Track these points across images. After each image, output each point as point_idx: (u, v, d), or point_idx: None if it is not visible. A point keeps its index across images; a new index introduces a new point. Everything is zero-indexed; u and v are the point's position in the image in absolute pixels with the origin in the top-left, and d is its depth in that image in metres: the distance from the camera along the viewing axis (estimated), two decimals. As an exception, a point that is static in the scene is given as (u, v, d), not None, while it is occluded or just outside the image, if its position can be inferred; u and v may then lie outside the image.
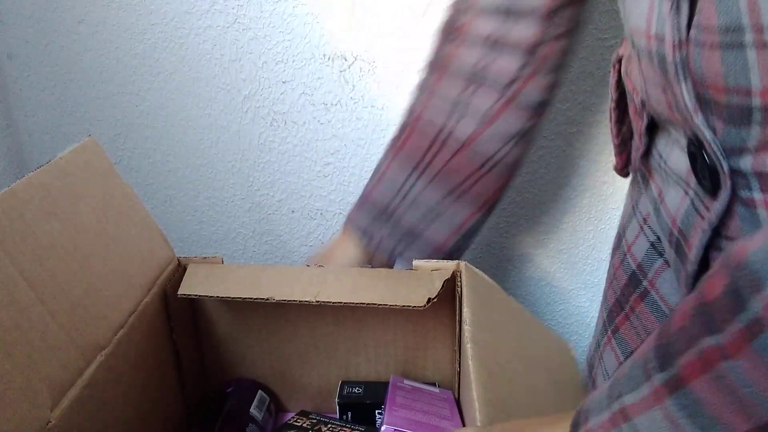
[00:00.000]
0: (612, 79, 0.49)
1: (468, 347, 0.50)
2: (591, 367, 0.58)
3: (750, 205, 0.34)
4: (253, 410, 0.62)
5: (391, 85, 0.82)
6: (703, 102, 0.34)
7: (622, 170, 0.52)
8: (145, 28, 0.80)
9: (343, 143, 0.86)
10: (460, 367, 0.61)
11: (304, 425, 0.60)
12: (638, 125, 0.45)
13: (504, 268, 0.92)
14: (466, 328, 0.53)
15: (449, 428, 0.55)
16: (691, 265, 0.38)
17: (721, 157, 0.34)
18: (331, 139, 0.85)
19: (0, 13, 0.80)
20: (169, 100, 0.84)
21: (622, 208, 0.58)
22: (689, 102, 0.34)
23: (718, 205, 0.35)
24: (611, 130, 0.51)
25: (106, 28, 0.80)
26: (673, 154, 0.41)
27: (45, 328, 0.42)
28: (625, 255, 0.51)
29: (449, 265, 0.61)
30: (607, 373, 0.52)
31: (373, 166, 0.88)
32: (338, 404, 0.63)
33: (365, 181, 0.89)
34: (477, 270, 0.63)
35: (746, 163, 0.33)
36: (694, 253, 0.37)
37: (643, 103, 0.43)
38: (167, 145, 0.87)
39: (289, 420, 0.62)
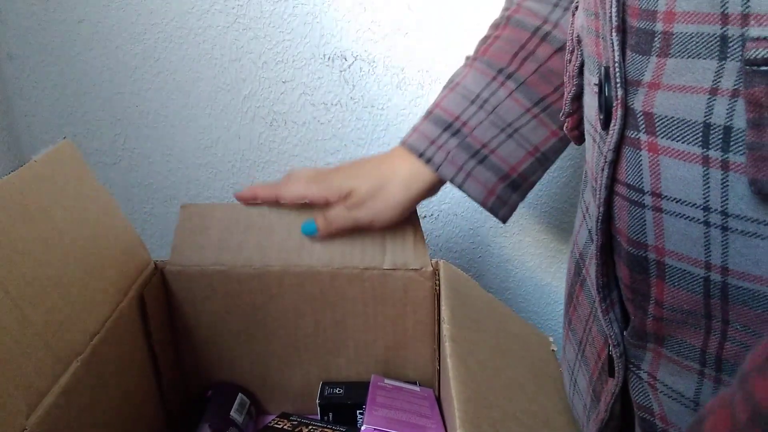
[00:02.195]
0: (570, 32, 0.48)
1: (447, 345, 0.50)
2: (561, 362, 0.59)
3: (636, 145, 0.34)
4: (233, 413, 0.62)
5: (391, 85, 0.82)
6: (623, 29, 0.34)
7: (571, 130, 0.51)
8: (145, 28, 0.80)
9: (343, 143, 0.86)
10: (440, 365, 0.61)
11: (285, 427, 0.60)
12: (573, 65, 0.45)
13: (504, 268, 0.93)
14: (445, 326, 0.53)
15: (430, 426, 0.55)
16: (597, 208, 0.38)
17: (619, 84, 0.34)
18: (331, 139, 0.86)
19: (0, 13, 0.79)
20: (169, 100, 0.84)
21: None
22: (614, 17, 0.34)
23: (610, 139, 0.36)
24: (566, 86, 0.50)
25: (106, 28, 0.80)
26: (587, 98, 0.42)
27: (20, 333, 0.41)
28: (574, 245, 0.52)
29: (427, 264, 0.61)
30: (569, 365, 0.52)
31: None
32: (319, 405, 0.63)
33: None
34: (455, 267, 0.63)
35: (639, 100, 0.34)
36: (599, 195, 0.38)
37: (578, 40, 0.44)
38: (167, 145, 0.87)
39: (270, 422, 0.62)
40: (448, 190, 0.89)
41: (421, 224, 0.92)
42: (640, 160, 0.34)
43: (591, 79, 0.41)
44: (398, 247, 0.62)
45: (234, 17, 0.79)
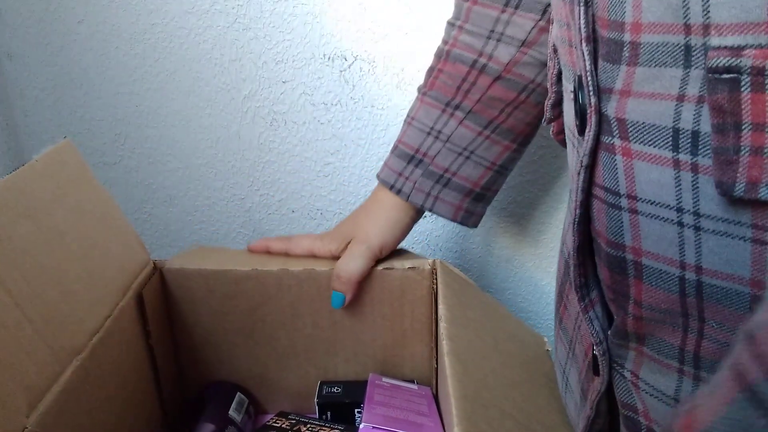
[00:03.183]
0: (550, 43, 0.50)
1: (444, 344, 0.50)
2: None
3: (610, 150, 0.36)
4: (232, 412, 0.62)
5: (391, 85, 0.82)
6: (593, 38, 0.36)
7: (557, 135, 0.53)
8: (145, 28, 0.80)
9: (343, 143, 0.86)
10: (437, 363, 0.61)
11: (284, 426, 0.60)
12: (552, 73, 0.47)
13: (504, 268, 0.93)
14: (443, 325, 0.53)
15: (428, 424, 0.55)
16: (574, 210, 0.40)
17: (592, 92, 0.36)
18: (331, 139, 0.86)
19: (0, 13, 0.80)
20: (169, 100, 0.84)
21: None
22: (583, 29, 0.36)
23: (585, 144, 0.37)
24: (549, 87, 0.52)
25: (106, 28, 0.80)
26: (566, 107, 0.43)
27: (21, 332, 0.42)
28: (563, 245, 0.52)
29: (425, 263, 0.61)
30: (560, 364, 0.53)
31: (373, 166, 0.89)
32: (317, 404, 0.63)
33: (365, 181, 0.90)
34: (452, 267, 0.64)
35: (612, 107, 0.35)
36: (575, 197, 0.39)
37: (555, 49, 0.45)
38: (167, 145, 0.87)
39: (268, 421, 0.62)
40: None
41: (421, 224, 0.92)
42: (615, 164, 0.35)
43: (567, 87, 0.42)
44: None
45: (234, 17, 0.79)
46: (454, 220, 0.62)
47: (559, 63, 0.45)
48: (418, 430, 0.53)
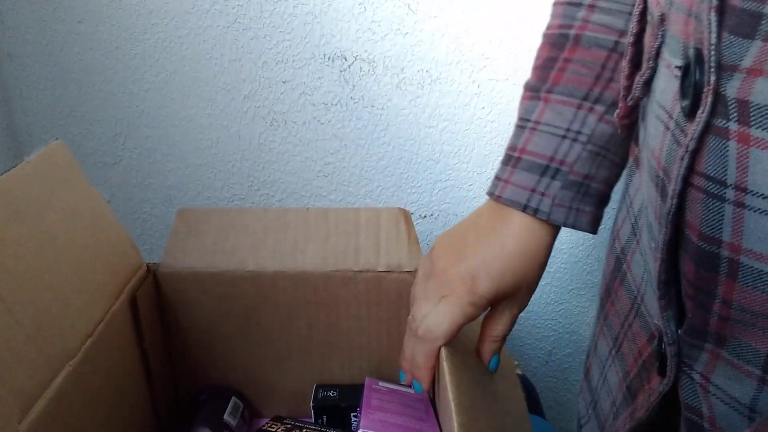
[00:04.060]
0: (636, 9, 0.45)
1: (442, 348, 0.50)
2: (587, 356, 0.58)
3: (723, 135, 0.32)
4: (227, 417, 0.62)
5: (391, 85, 0.82)
6: (721, 9, 0.32)
7: (623, 118, 0.49)
8: (145, 28, 0.80)
9: (343, 143, 0.86)
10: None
11: (279, 430, 0.60)
12: (651, 45, 0.42)
13: (504, 269, 0.92)
14: None
15: (425, 429, 0.55)
16: (671, 200, 0.36)
17: (713, 68, 0.32)
18: (331, 139, 0.85)
19: (0, 13, 0.80)
20: (169, 100, 0.84)
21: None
22: None
23: (694, 127, 0.33)
24: (624, 68, 0.47)
25: (106, 28, 0.80)
26: (662, 83, 0.40)
27: (12, 337, 0.41)
28: (615, 240, 0.51)
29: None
30: (600, 360, 0.52)
31: (373, 165, 0.88)
32: (313, 408, 0.63)
33: (365, 181, 0.89)
34: None
35: (733, 86, 0.32)
36: (672, 186, 0.35)
37: (662, 18, 0.40)
38: (167, 145, 0.87)
39: (264, 425, 0.62)
40: (447, 190, 0.89)
41: (421, 224, 0.92)
42: (727, 151, 0.32)
43: (672, 62, 0.38)
44: (392, 249, 0.62)
45: (234, 17, 0.79)
46: (593, 231, 0.52)
47: (663, 35, 0.40)
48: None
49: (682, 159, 0.34)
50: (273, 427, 0.61)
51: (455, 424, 0.41)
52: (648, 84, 0.43)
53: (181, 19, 0.79)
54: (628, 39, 0.45)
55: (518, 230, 0.50)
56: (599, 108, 0.51)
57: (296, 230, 0.63)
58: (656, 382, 0.41)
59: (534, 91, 0.53)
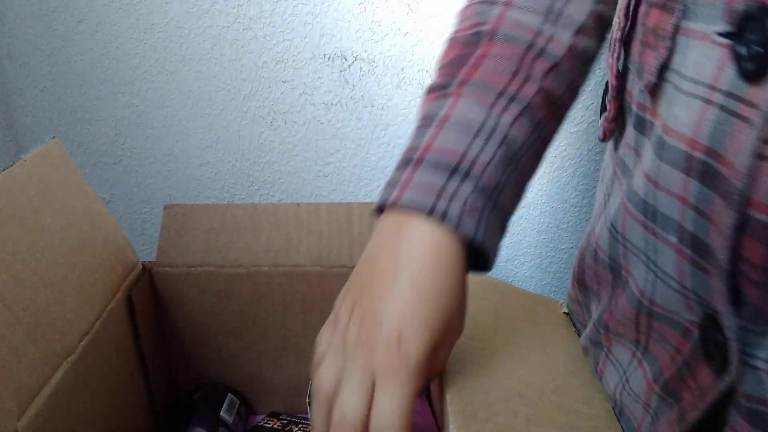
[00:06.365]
0: (624, 2, 0.42)
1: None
2: (596, 362, 0.55)
3: None
4: (223, 414, 0.62)
5: (391, 85, 0.82)
6: None
7: (612, 122, 0.45)
8: (145, 28, 0.80)
9: (343, 143, 0.86)
10: None
11: (275, 426, 0.60)
12: (669, 25, 0.38)
13: (504, 268, 0.92)
14: None
15: (419, 421, 0.55)
16: (740, 182, 0.32)
17: None
18: (331, 139, 0.85)
19: (0, 13, 0.80)
20: (169, 100, 0.84)
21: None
22: None
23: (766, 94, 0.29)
24: (611, 66, 0.44)
25: (106, 28, 0.80)
26: (693, 57, 0.36)
27: (11, 335, 0.41)
28: (597, 250, 0.49)
29: None
30: (618, 365, 0.50)
31: (373, 165, 0.88)
32: (309, 404, 0.63)
33: (365, 181, 0.89)
34: None
35: None
36: (738, 164, 0.31)
37: None
38: (167, 145, 0.87)
39: (260, 422, 0.62)
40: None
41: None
42: None
43: (708, 29, 0.34)
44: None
45: (234, 17, 0.79)
46: (489, 267, 0.45)
47: (684, 9, 0.37)
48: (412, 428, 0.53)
49: (753, 131, 0.30)
50: (269, 423, 0.61)
51: (449, 416, 0.41)
52: (664, 67, 0.39)
53: (181, 19, 0.79)
54: (615, 35, 0.43)
55: (426, 246, 0.40)
56: (514, 108, 0.46)
57: (288, 226, 0.63)
58: (707, 378, 0.38)
59: (441, 89, 0.48)
